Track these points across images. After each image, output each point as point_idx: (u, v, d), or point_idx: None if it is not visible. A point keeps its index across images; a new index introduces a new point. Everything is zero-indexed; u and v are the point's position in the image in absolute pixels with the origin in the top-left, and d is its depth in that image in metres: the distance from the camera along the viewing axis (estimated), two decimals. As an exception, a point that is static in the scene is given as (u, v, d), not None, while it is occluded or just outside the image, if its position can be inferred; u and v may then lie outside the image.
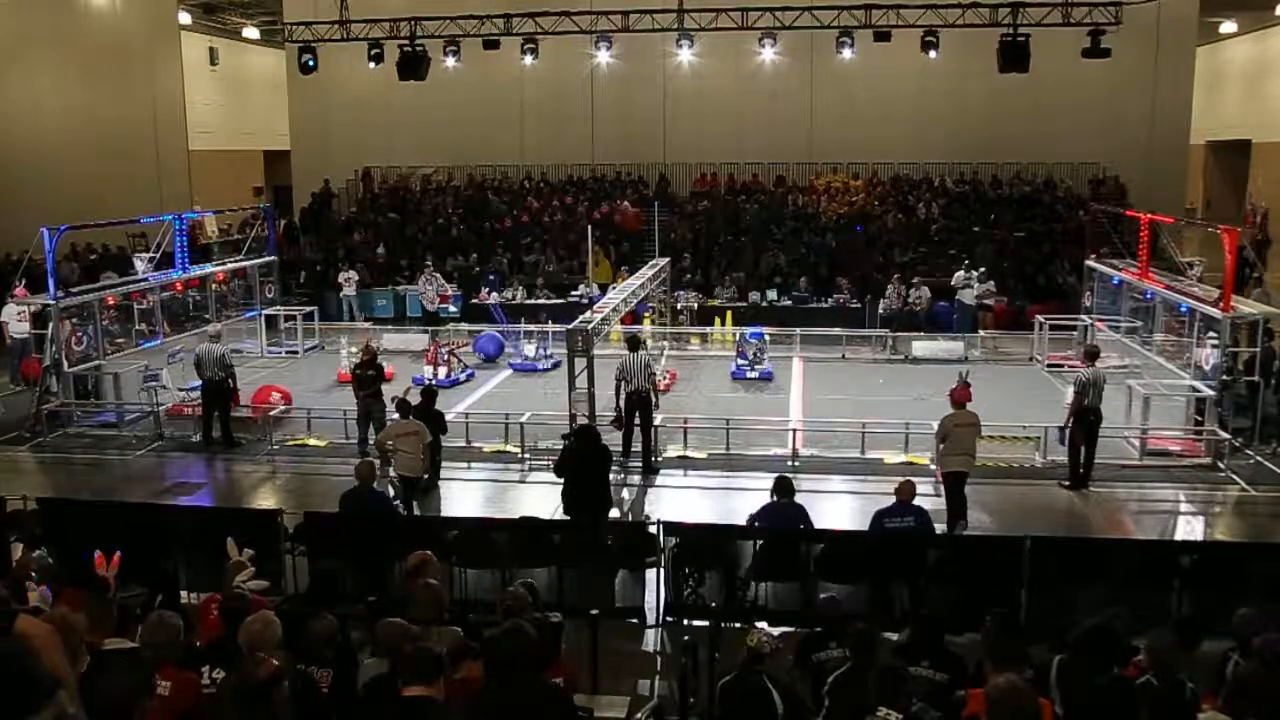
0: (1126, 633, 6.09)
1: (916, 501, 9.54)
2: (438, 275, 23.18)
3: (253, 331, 20.63)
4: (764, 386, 17.85)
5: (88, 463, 14.37)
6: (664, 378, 16.20)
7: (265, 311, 21.00)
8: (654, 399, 13.62)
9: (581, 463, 10.83)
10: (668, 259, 21.64)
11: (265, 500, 12.82)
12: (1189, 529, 12.22)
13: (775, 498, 9.72)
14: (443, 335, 20.02)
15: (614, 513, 11.63)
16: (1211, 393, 13.77)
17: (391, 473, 11.63)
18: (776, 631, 7.51)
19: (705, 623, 8.32)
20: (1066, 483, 12.79)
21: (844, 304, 22.86)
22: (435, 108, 28.05)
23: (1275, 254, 29.17)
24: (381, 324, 22.95)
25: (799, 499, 9.84)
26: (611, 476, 11.75)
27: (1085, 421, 12.65)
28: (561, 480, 10.97)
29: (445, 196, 29.09)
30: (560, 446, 12.23)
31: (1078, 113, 26.55)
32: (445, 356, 18.16)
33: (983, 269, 22.21)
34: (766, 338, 18.89)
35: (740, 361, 18.47)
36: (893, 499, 9.50)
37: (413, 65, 22.24)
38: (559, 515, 10.91)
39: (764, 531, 9.43)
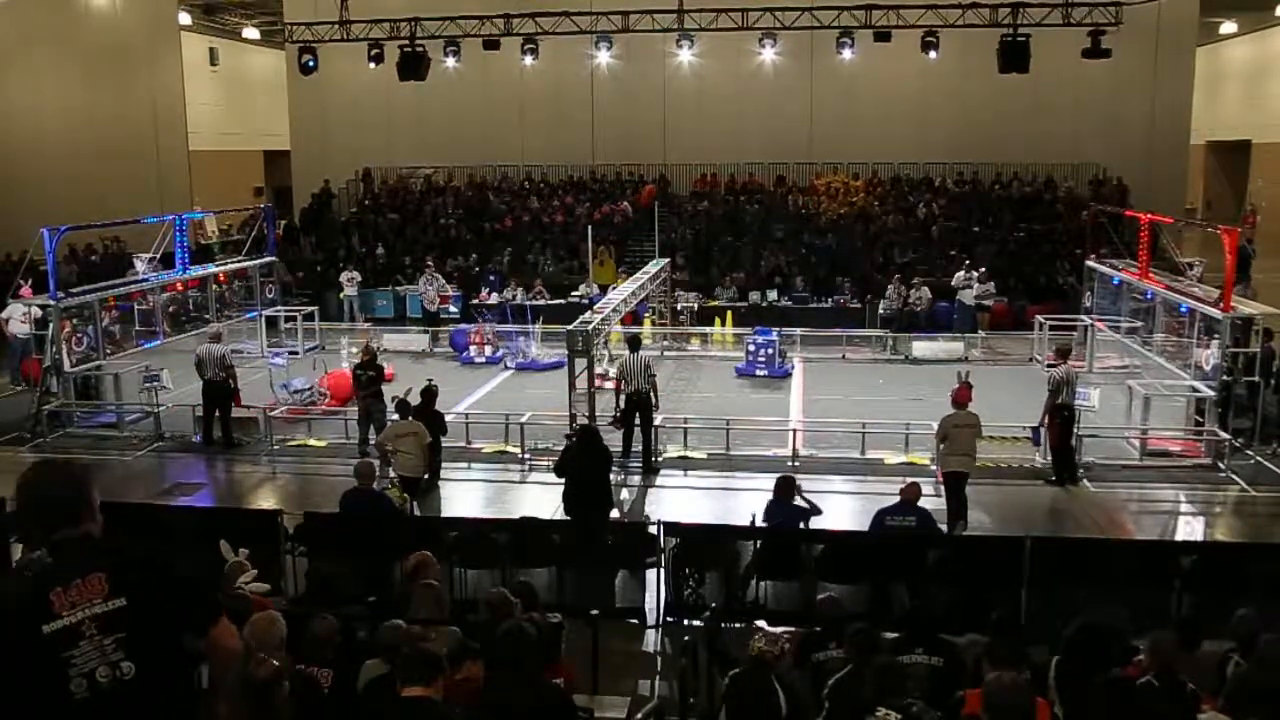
0: (1126, 632, 6.10)
1: (920, 501, 9.56)
2: (438, 276, 23.20)
3: (253, 332, 20.62)
4: (764, 386, 17.86)
5: (88, 463, 14.36)
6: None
7: (265, 312, 20.99)
8: (654, 399, 13.62)
9: (582, 463, 10.83)
10: (668, 259, 21.66)
11: (265, 501, 12.83)
12: (1189, 529, 12.23)
13: (774, 496, 9.73)
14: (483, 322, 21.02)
15: (614, 513, 11.62)
16: (1211, 393, 13.78)
17: (392, 473, 11.63)
18: (778, 631, 7.51)
19: (703, 624, 8.31)
20: (1053, 479, 12.82)
21: (844, 304, 22.86)
22: (435, 108, 28.07)
23: (1270, 252, 29.13)
24: (381, 324, 22.95)
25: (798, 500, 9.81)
26: (611, 476, 11.75)
27: (1060, 418, 12.68)
28: (562, 480, 10.96)
29: (445, 197, 29.10)
30: (563, 447, 12.21)
31: (1078, 113, 26.56)
32: (490, 336, 19.67)
33: (984, 269, 22.22)
34: (775, 337, 18.85)
35: (759, 362, 18.42)
36: (895, 498, 9.51)
37: (413, 65, 22.23)
38: (559, 515, 10.91)
39: (764, 531, 9.43)
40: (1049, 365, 18.46)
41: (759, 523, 9.63)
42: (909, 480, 9.86)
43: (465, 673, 4.90)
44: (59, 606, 2.86)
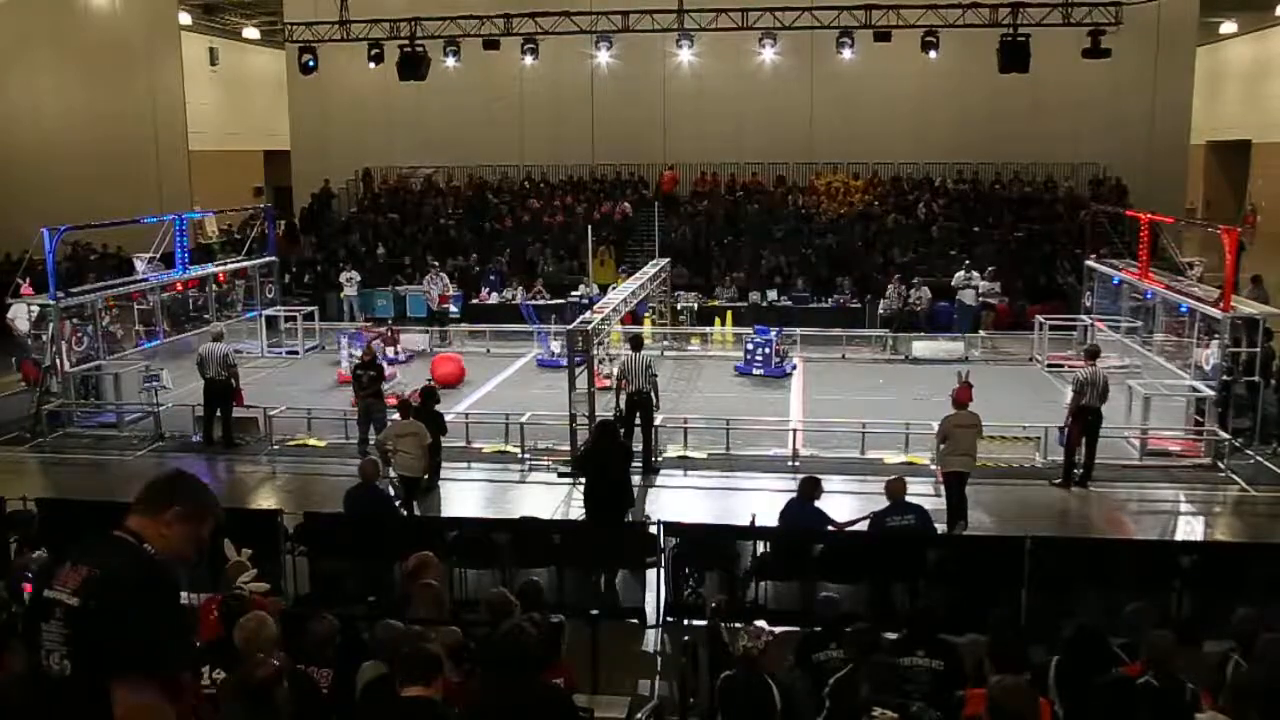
0: (1132, 629, 6.11)
1: (917, 500, 9.55)
2: (443, 275, 23.25)
3: (253, 332, 20.63)
4: (764, 386, 17.86)
5: (88, 463, 14.37)
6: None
7: (265, 312, 21.01)
8: (654, 399, 13.61)
9: (600, 460, 10.81)
10: (668, 259, 21.66)
11: (265, 500, 12.82)
12: (1189, 529, 12.22)
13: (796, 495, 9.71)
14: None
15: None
16: (1211, 393, 13.78)
17: (391, 473, 11.63)
18: (776, 630, 7.50)
19: (705, 623, 8.31)
20: (1057, 480, 12.82)
21: (844, 304, 22.87)
22: (435, 108, 28.07)
23: (1270, 253, 29.11)
24: (381, 324, 22.93)
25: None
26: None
27: (1083, 420, 12.66)
28: (580, 480, 10.90)
29: (445, 196, 29.10)
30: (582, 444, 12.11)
31: (1078, 113, 26.55)
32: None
33: (992, 268, 22.24)
34: (773, 335, 18.85)
35: (757, 361, 18.41)
36: (890, 500, 9.48)
37: (413, 65, 22.24)
38: (559, 515, 10.89)
39: (763, 531, 9.43)
40: (1050, 365, 18.69)
41: (775, 521, 9.61)
42: (890, 478, 9.80)
43: (460, 673, 4.90)
44: (56, 580, 2.92)
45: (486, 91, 27.89)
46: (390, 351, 19.03)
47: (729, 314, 22.39)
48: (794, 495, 9.79)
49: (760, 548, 9.39)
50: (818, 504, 9.60)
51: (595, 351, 13.93)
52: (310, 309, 21.56)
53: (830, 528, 9.54)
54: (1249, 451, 13.76)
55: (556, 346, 19.28)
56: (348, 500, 10.04)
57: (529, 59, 23.29)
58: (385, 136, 29.54)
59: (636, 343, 14.26)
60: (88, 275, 20.20)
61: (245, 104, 37.74)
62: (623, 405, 13.47)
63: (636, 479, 13.14)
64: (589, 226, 22.90)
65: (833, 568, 9.30)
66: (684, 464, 13.81)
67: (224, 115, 36.20)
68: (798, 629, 8.03)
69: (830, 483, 12.67)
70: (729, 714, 5.73)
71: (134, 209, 22.69)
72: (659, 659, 8.71)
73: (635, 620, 9.27)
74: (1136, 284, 17.56)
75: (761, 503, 10.63)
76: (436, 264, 23.70)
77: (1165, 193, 25.74)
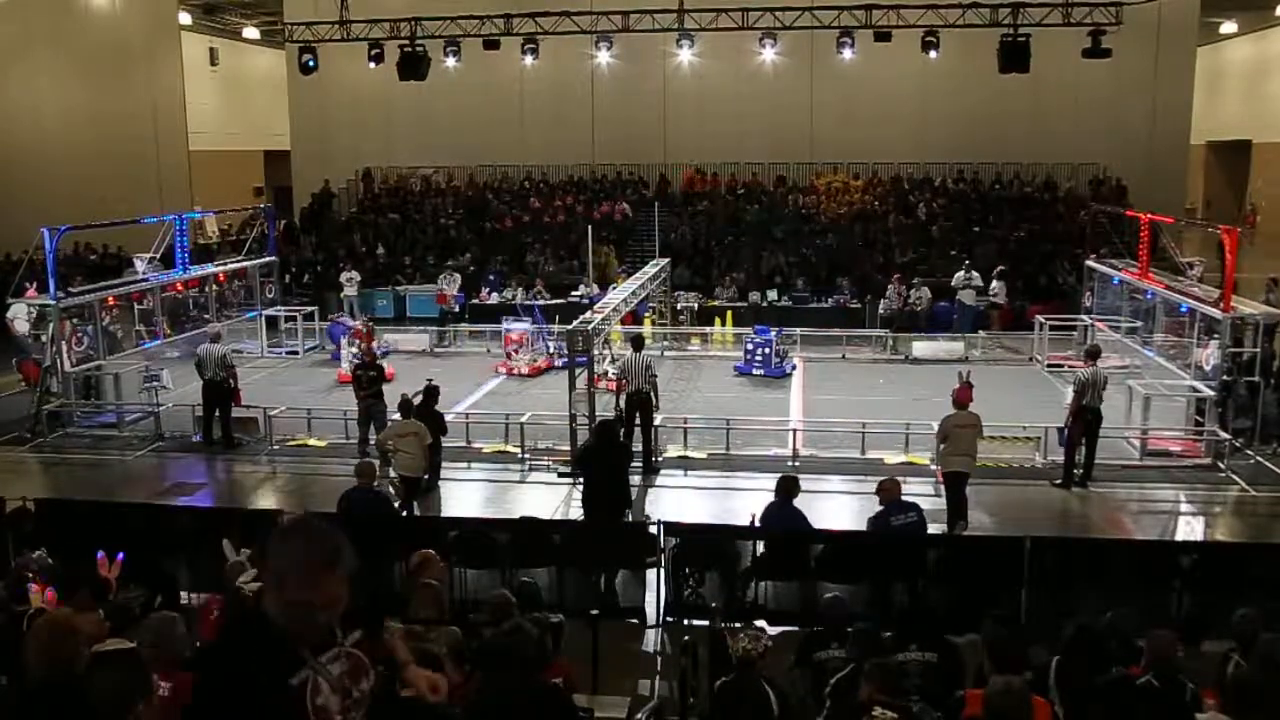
0: (1132, 632, 6.10)
1: (914, 499, 9.55)
2: (457, 275, 23.37)
3: (253, 332, 20.62)
4: (764, 386, 17.86)
5: (88, 463, 14.36)
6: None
7: (265, 312, 21.01)
8: (654, 399, 13.61)
9: (601, 460, 10.81)
10: (668, 259, 21.66)
11: (265, 500, 12.82)
12: (1189, 529, 12.21)
13: (776, 497, 9.70)
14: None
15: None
16: (1211, 393, 13.77)
17: (391, 473, 11.63)
18: (774, 630, 7.49)
19: (705, 623, 8.31)
20: (1058, 481, 12.81)
21: (844, 304, 22.86)
22: (435, 108, 28.07)
23: (1270, 252, 29.13)
24: (382, 324, 22.93)
25: (799, 499, 9.77)
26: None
27: (1084, 421, 12.66)
28: (579, 479, 10.89)
29: (445, 197, 29.11)
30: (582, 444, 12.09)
31: (1078, 113, 26.56)
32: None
33: (1001, 268, 22.25)
34: (773, 335, 18.85)
35: (757, 361, 18.41)
36: (887, 501, 9.44)
37: (413, 65, 22.24)
38: (559, 515, 10.87)
39: (764, 531, 9.42)
40: (1050, 365, 18.68)
41: (758, 523, 9.61)
42: (882, 479, 9.79)
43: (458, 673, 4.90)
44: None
45: (487, 92, 27.89)
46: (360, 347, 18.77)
47: (729, 314, 22.39)
48: (773, 497, 9.69)
49: (760, 548, 9.38)
50: (796, 504, 9.57)
51: (594, 352, 13.92)
52: (310, 309, 21.55)
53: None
54: (1249, 451, 13.76)
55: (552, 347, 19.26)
56: (343, 501, 10.00)
57: (529, 59, 23.29)
58: (385, 136, 29.55)
59: (638, 343, 14.26)
60: (73, 277, 20.11)
61: (245, 104, 37.73)
62: (623, 405, 13.47)
63: (636, 479, 13.17)
64: (589, 226, 22.90)
65: (833, 568, 9.29)
66: (684, 464, 13.80)
67: (224, 115, 36.19)
68: (797, 629, 8.05)
69: (830, 483, 12.77)
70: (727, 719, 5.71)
71: (134, 209, 22.69)
72: (659, 659, 8.71)
73: (635, 620, 9.27)
74: (1136, 284, 17.55)
75: (761, 503, 10.60)
76: (450, 264, 23.97)
77: (1165, 193, 25.73)
